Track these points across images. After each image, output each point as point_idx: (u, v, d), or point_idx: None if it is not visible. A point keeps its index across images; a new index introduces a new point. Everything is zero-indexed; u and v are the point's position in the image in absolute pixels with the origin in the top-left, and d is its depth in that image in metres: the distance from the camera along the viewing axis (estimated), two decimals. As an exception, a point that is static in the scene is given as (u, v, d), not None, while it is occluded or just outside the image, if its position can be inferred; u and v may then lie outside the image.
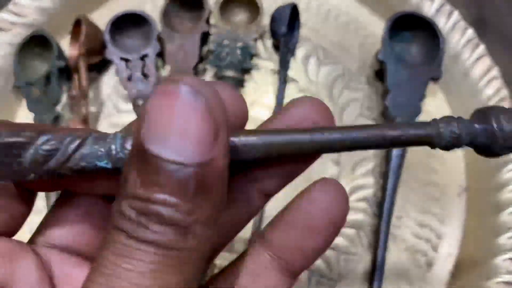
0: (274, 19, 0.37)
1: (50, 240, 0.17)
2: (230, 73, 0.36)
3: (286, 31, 0.37)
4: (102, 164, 0.14)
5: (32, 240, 0.17)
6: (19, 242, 0.16)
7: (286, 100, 0.38)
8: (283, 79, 0.37)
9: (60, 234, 0.17)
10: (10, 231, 0.16)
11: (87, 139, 0.14)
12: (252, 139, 0.15)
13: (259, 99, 0.38)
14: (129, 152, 0.13)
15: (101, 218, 0.17)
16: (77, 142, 0.14)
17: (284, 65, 0.37)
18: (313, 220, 0.17)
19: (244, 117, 0.17)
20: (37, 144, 0.14)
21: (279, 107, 0.36)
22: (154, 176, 0.12)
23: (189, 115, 0.12)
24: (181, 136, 0.12)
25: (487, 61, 0.38)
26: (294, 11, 0.38)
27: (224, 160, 0.13)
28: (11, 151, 0.14)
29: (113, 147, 0.14)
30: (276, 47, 0.39)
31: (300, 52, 0.40)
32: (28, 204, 0.17)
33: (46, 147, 0.14)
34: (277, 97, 0.37)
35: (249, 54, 0.37)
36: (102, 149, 0.14)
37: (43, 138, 0.14)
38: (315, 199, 0.17)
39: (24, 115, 0.37)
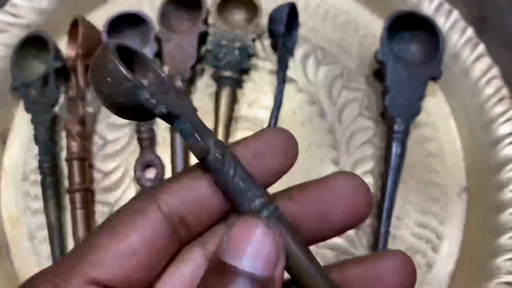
0: (272, 19, 0.37)
1: None
2: (228, 73, 0.36)
3: (284, 31, 0.36)
4: None
5: None
6: None
7: (286, 100, 0.38)
8: (281, 80, 0.37)
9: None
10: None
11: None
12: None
13: (258, 100, 0.38)
14: (209, 264, 0.16)
15: None
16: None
17: (282, 65, 0.37)
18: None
19: (292, 161, 0.18)
20: None
21: (277, 108, 0.36)
22: (228, 285, 0.15)
23: (262, 241, 0.15)
24: (255, 254, 0.15)
25: (487, 61, 0.38)
26: (292, 11, 0.38)
27: (280, 282, 0.16)
28: None
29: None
30: (275, 47, 0.39)
31: (298, 52, 0.39)
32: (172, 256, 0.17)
33: None
34: (275, 97, 0.36)
35: (247, 54, 0.37)
36: None
37: None
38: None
39: (22, 116, 0.37)
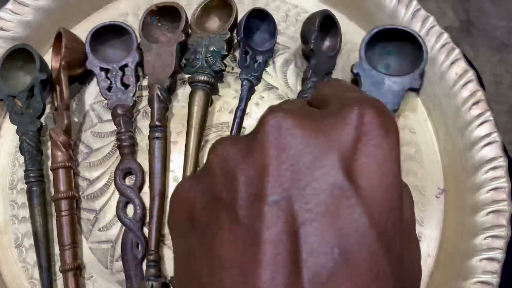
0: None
1: None
2: (200, 77, 0.36)
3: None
4: None
5: None
6: None
7: (266, 106, 0.38)
8: (246, 84, 0.38)
9: None
10: None
11: None
12: None
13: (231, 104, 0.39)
14: None
15: None
16: None
17: (244, 69, 0.38)
18: None
19: None
20: None
21: (241, 112, 0.37)
22: None
23: None
24: None
25: (462, 65, 0.38)
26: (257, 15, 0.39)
27: None
28: None
29: None
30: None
31: (278, 59, 0.40)
32: None
33: None
34: (239, 101, 0.37)
35: (219, 55, 0.37)
36: None
37: None
38: None
39: (8, 126, 0.38)
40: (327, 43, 0.40)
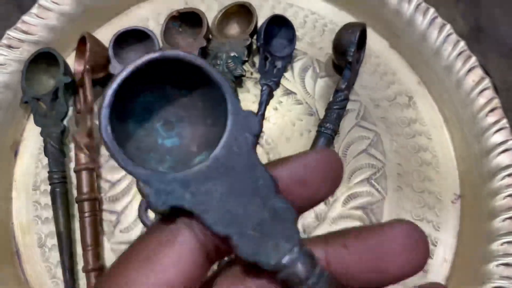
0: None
1: None
2: None
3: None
4: None
5: None
6: None
7: (285, 111, 0.39)
8: (265, 90, 0.38)
9: None
10: None
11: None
12: None
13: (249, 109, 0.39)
14: None
15: None
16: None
17: (263, 74, 0.39)
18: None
19: (336, 188, 0.17)
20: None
21: (261, 116, 0.38)
22: None
23: None
24: None
25: (479, 72, 0.39)
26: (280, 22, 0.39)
27: None
28: None
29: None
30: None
31: (297, 65, 0.41)
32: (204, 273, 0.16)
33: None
34: (259, 105, 0.38)
35: (239, 61, 0.38)
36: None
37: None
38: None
39: (32, 128, 0.39)
40: (356, 54, 0.40)
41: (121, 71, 0.15)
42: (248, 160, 0.15)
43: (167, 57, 0.15)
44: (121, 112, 0.15)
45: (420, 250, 0.16)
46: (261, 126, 0.16)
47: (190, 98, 0.17)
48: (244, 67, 0.39)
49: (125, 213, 0.37)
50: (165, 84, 0.16)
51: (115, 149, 0.14)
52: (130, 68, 0.15)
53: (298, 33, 0.41)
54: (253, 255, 0.15)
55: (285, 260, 0.15)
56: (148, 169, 0.15)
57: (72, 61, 0.39)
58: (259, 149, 0.38)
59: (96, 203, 0.36)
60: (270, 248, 0.15)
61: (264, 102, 0.38)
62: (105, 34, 0.40)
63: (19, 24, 0.40)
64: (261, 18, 0.40)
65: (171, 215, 0.15)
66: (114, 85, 0.15)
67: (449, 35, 0.40)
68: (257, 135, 0.16)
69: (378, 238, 0.16)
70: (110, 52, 0.38)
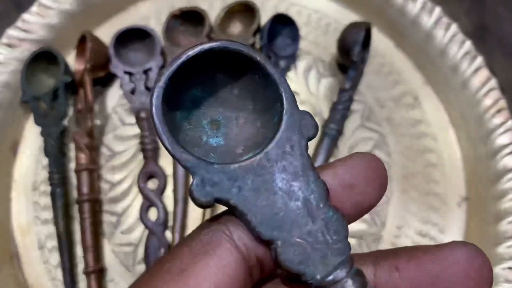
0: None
1: None
2: None
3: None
4: None
5: None
6: None
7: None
8: None
9: None
10: None
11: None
12: None
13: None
14: None
15: None
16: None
17: None
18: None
19: (383, 194, 0.16)
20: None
21: None
22: None
23: None
24: None
25: (485, 73, 0.38)
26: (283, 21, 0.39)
27: None
28: None
29: None
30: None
31: (300, 64, 0.40)
32: None
33: None
34: None
35: None
36: None
37: None
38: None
39: (32, 128, 0.38)
40: (361, 54, 0.40)
41: (181, 54, 0.14)
42: (301, 162, 0.14)
43: (227, 48, 0.15)
44: (171, 101, 0.14)
45: (483, 278, 0.14)
46: (317, 128, 0.15)
47: (240, 98, 0.16)
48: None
49: (125, 214, 0.36)
50: (217, 82, 0.16)
51: (164, 130, 0.14)
52: (191, 51, 0.14)
53: (302, 32, 0.40)
54: (297, 264, 0.14)
55: (334, 276, 0.13)
56: (196, 156, 0.14)
57: (72, 60, 0.39)
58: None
59: (96, 204, 0.35)
60: (318, 260, 0.14)
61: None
62: (106, 33, 0.40)
63: (19, 23, 0.39)
64: (264, 17, 0.39)
65: (210, 221, 0.14)
66: (173, 66, 0.14)
67: (455, 34, 0.39)
68: (311, 138, 0.15)
69: (435, 261, 0.14)
70: (111, 51, 0.38)
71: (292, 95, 0.15)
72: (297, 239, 0.14)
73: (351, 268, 0.14)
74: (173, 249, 0.14)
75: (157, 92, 0.14)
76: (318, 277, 0.14)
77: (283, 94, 0.15)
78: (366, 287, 0.14)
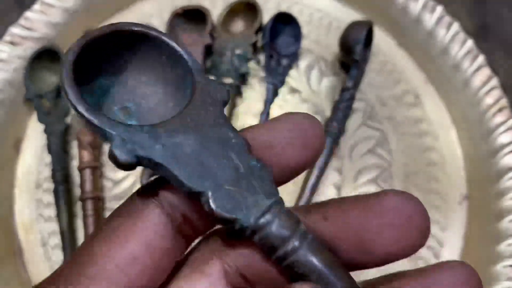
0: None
1: None
2: (228, 80, 0.37)
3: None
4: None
5: None
6: None
7: (290, 110, 0.39)
8: (270, 88, 0.38)
9: None
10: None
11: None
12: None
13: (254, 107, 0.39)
14: None
15: None
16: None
17: (269, 73, 0.38)
18: None
19: (314, 153, 0.15)
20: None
21: (266, 115, 0.37)
22: None
23: None
24: None
25: (486, 71, 0.38)
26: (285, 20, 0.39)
27: None
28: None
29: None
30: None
31: (302, 63, 0.40)
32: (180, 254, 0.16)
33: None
34: (264, 104, 0.38)
35: (245, 58, 0.38)
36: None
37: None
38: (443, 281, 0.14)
39: (35, 126, 0.38)
40: (363, 53, 0.40)
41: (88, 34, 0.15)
42: (219, 119, 0.15)
43: (121, 29, 0.15)
44: (81, 83, 0.14)
45: (416, 225, 0.14)
46: (229, 93, 0.16)
47: (149, 84, 0.16)
48: (249, 65, 0.39)
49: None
50: (123, 69, 0.16)
51: (73, 90, 0.13)
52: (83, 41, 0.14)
53: (304, 30, 0.41)
54: (230, 211, 0.13)
55: (267, 217, 0.14)
56: (113, 119, 0.14)
57: (75, 58, 0.39)
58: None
59: (99, 202, 0.35)
60: (249, 204, 0.14)
61: (269, 101, 0.38)
62: (109, 31, 0.40)
63: (21, 21, 0.39)
64: (266, 15, 0.40)
65: (143, 191, 0.15)
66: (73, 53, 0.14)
67: (456, 33, 0.39)
68: (226, 101, 0.15)
69: (364, 210, 0.14)
70: (114, 49, 0.38)
71: (199, 66, 0.15)
72: (227, 187, 0.14)
73: (282, 208, 0.14)
74: (113, 212, 0.15)
75: (66, 66, 0.14)
76: (252, 220, 0.14)
77: (192, 66, 0.15)
78: (299, 226, 0.14)
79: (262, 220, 0.14)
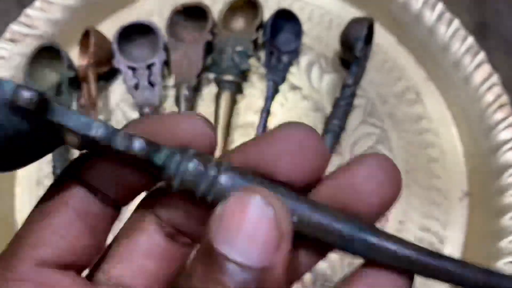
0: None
1: (113, 279, 0.16)
2: (227, 77, 0.37)
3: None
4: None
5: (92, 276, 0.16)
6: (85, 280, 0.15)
7: (291, 107, 0.39)
8: (271, 85, 0.38)
9: (125, 273, 0.16)
10: (85, 262, 0.15)
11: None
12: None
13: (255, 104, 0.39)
14: (198, 249, 0.14)
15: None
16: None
17: (270, 69, 0.38)
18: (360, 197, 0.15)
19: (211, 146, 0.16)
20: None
21: (266, 112, 0.37)
22: (218, 275, 0.12)
23: (258, 222, 0.13)
24: (248, 240, 0.12)
25: (487, 68, 0.38)
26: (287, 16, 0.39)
27: (284, 269, 0.13)
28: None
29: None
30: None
31: (303, 60, 0.40)
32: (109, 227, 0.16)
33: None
34: (265, 101, 0.38)
35: (246, 55, 0.38)
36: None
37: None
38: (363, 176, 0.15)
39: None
40: (364, 50, 0.40)
41: None
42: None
43: None
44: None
45: (308, 146, 0.15)
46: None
47: None
48: (250, 61, 0.39)
49: (129, 210, 0.36)
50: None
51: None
52: None
53: (305, 27, 0.41)
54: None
55: (178, 158, 0.14)
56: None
57: (76, 55, 0.39)
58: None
59: (100, 199, 0.35)
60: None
61: (270, 97, 0.38)
62: (109, 28, 0.40)
63: (22, 18, 0.39)
64: (267, 12, 0.40)
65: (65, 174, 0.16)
66: None
67: (457, 30, 0.39)
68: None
69: (258, 144, 0.15)
70: (114, 46, 0.38)
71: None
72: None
73: (195, 153, 0.14)
74: (41, 197, 0.16)
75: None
76: (163, 156, 0.14)
77: None
78: (211, 158, 0.14)
79: (176, 158, 0.14)
